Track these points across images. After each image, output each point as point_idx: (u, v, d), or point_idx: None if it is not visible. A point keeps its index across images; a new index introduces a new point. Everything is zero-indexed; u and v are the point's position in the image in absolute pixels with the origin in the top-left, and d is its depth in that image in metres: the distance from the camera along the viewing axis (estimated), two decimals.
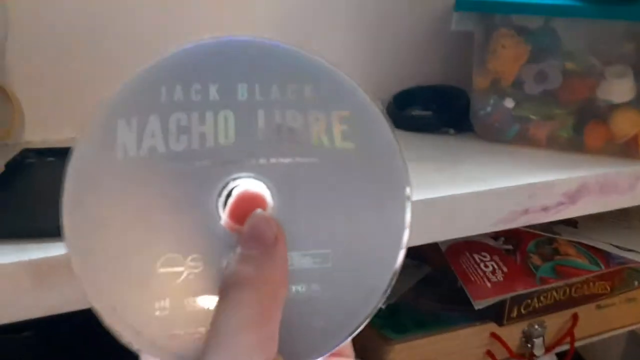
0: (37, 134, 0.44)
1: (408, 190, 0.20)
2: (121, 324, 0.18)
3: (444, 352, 0.46)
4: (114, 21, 0.45)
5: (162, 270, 0.19)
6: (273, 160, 0.19)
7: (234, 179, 0.19)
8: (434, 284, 0.51)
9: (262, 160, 0.19)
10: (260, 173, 0.19)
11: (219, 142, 0.19)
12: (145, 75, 0.18)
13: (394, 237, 0.20)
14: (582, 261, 0.50)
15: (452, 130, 0.51)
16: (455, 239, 0.49)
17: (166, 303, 0.19)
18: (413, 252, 0.50)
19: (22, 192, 0.32)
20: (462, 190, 0.39)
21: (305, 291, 0.19)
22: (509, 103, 0.48)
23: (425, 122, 0.52)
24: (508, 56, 0.46)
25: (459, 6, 0.46)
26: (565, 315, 0.51)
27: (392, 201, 0.20)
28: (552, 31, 0.46)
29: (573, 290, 0.50)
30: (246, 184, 0.19)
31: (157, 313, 0.18)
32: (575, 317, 0.51)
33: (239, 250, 0.18)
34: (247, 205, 0.19)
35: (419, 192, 0.38)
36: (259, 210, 0.19)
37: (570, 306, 0.51)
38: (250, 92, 0.19)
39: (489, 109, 0.49)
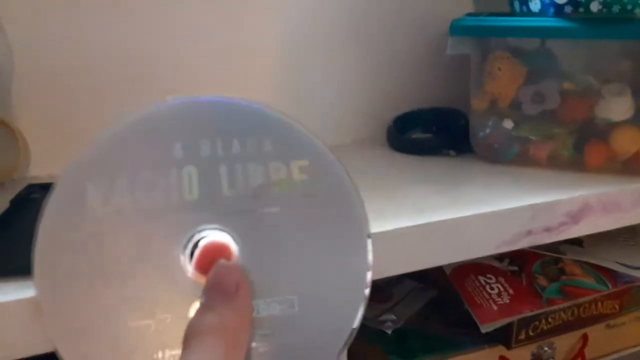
0: (43, 169, 0.45)
1: (367, 233, 0.21)
2: None
3: None
4: (118, 59, 0.46)
5: (131, 324, 0.19)
6: (237, 212, 0.20)
7: (200, 232, 0.20)
8: (440, 307, 0.51)
9: (225, 213, 0.20)
10: (224, 225, 0.20)
11: (183, 198, 0.19)
12: (112, 137, 0.19)
13: (358, 278, 0.20)
14: (588, 281, 0.49)
15: (452, 152, 0.51)
16: (459, 262, 0.48)
17: (136, 357, 0.19)
18: (418, 275, 0.50)
19: (26, 228, 0.33)
20: (464, 213, 0.39)
21: (273, 337, 0.20)
22: (508, 124, 0.48)
23: (426, 145, 0.52)
24: (505, 78, 0.47)
25: (454, 31, 0.47)
26: (574, 336, 0.50)
27: (353, 245, 0.21)
28: (549, 52, 0.46)
29: (581, 310, 0.50)
30: (211, 236, 0.20)
31: None
32: (585, 338, 0.51)
33: (201, 300, 0.19)
34: (212, 256, 0.19)
35: (422, 215, 0.38)
36: (222, 260, 0.19)
37: (579, 326, 0.50)
38: (212, 148, 0.20)
39: (487, 130, 0.49)
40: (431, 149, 0.52)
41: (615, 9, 0.43)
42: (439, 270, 0.49)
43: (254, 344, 0.20)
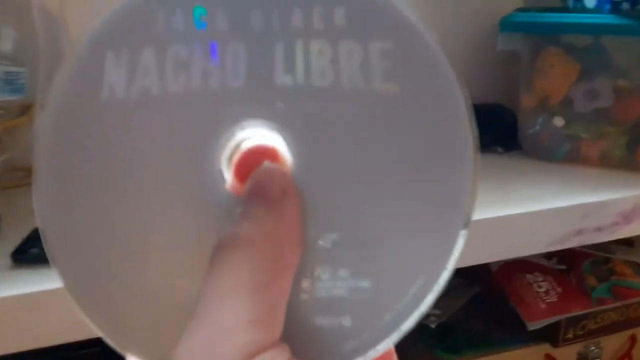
0: None
1: (473, 152, 0.15)
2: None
3: None
4: None
5: (154, 244, 0.15)
6: (293, 106, 0.15)
7: (243, 129, 0.15)
8: (484, 304, 0.51)
9: (279, 107, 0.15)
10: (275, 123, 0.15)
11: (225, 82, 0.15)
12: (138, 1, 0.15)
13: (448, 223, 0.15)
14: (639, 282, 0.49)
15: (500, 149, 0.51)
16: (507, 260, 0.48)
17: (155, 283, 0.15)
18: (461, 272, 0.50)
19: None
20: (513, 211, 0.39)
21: (329, 278, 0.15)
22: (559, 122, 0.47)
23: None
24: (557, 75, 0.46)
25: (505, 27, 0.46)
26: (622, 337, 0.50)
27: (451, 167, 0.15)
28: (603, 48, 0.45)
29: (631, 310, 0.49)
30: (257, 136, 0.15)
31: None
32: (633, 339, 0.50)
33: (238, 210, 0.14)
34: (255, 160, 0.15)
35: None
36: (266, 163, 0.15)
37: (627, 327, 0.50)
38: (266, 20, 0.15)
39: (537, 127, 0.48)
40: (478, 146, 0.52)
41: None
42: (482, 267, 0.49)
43: (304, 284, 0.15)
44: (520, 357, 0.46)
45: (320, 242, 0.15)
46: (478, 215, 0.38)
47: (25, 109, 0.44)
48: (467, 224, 0.15)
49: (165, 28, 0.15)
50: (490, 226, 0.38)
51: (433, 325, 0.47)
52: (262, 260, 0.13)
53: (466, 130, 0.15)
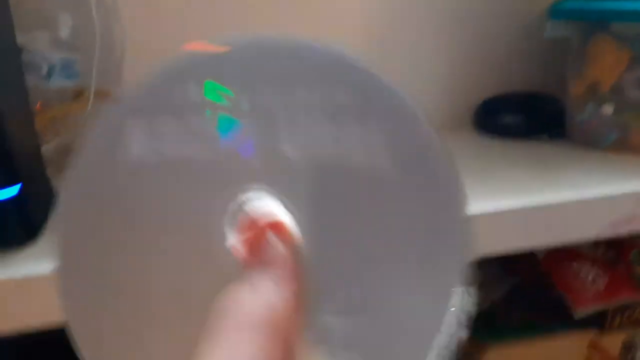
0: None
1: (465, 244, 0.16)
2: None
3: (541, 359, 0.46)
4: None
5: (157, 295, 0.16)
6: (295, 177, 0.16)
7: (247, 194, 0.16)
8: (526, 293, 0.51)
9: (282, 176, 0.16)
10: (278, 190, 0.16)
11: (234, 151, 0.16)
12: (159, 76, 0.17)
13: (440, 295, 0.16)
14: None
15: (545, 136, 0.51)
16: (553, 247, 0.48)
17: (156, 336, 0.16)
18: (505, 259, 0.50)
19: None
20: (563, 198, 0.39)
21: (324, 348, 0.16)
22: (608, 109, 0.47)
23: (517, 128, 0.52)
24: (608, 62, 0.46)
25: (554, 15, 0.46)
26: None
27: (445, 238, 0.16)
28: None
29: None
30: (261, 202, 0.16)
31: None
32: None
33: (241, 276, 0.15)
34: (260, 231, 0.16)
35: (517, 198, 0.38)
36: (269, 234, 0.16)
37: None
38: (273, 97, 0.16)
39: (586, 115, 0.48)
40: (522, 133, 0.52)
41: None
42: (523, 257, 0.49)
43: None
44: (566, 344, 0.46)
45: (320, 312, 0.16)
46: (527, 202, 0.38)
47: (79, 95, 0.46)
48: (459, 293, 0.16)
49: (182, 101, 0.16)
50: (538, 212, 0.38)
51: (476, 312, 0.47)
52: (259, 330, 0.14)
53: (459, 204, 0.16)
